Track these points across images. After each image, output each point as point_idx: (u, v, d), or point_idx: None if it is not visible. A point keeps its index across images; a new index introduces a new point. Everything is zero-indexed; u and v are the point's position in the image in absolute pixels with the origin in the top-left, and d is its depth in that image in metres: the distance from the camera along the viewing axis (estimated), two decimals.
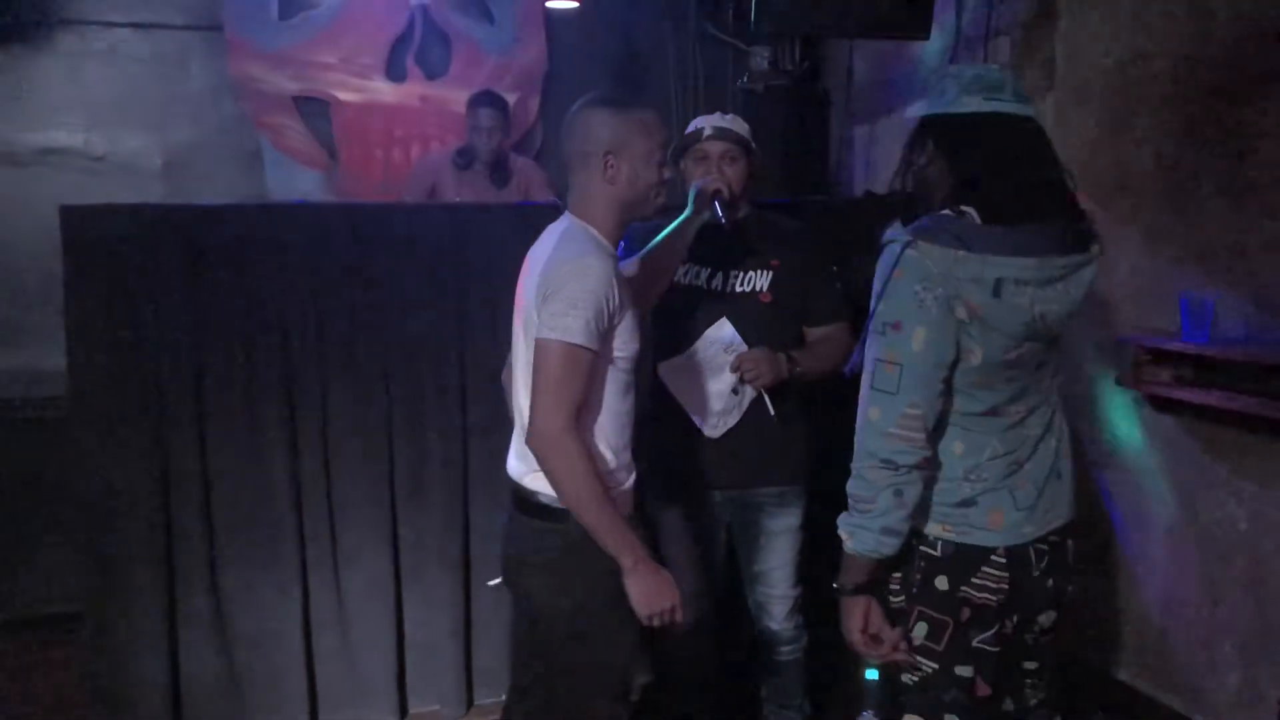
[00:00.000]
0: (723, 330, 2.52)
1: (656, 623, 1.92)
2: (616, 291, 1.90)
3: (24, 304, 3.90)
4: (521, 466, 2.02)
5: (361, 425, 2.94)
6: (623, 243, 2.13)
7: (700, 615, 2.71)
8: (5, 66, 3.96)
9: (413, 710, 3.13)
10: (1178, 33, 2.83)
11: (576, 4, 4.21)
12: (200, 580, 2.85)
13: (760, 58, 4.36)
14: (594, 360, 1.87)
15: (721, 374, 2.52)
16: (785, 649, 2.73)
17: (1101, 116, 3.10)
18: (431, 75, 4.50)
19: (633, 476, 2.09)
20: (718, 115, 2.59)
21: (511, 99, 4.45)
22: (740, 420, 2.56)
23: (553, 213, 3.05)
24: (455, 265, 2.98)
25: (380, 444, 2.96)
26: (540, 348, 1.85)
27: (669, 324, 2.59)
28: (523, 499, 2.01)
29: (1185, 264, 2.82)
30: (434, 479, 3.01)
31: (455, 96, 4.43)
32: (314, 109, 4.35)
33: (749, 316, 2.54)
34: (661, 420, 2.62)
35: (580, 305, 1.82)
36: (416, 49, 4.46)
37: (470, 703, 3.17)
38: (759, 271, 2.57)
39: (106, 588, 2.77)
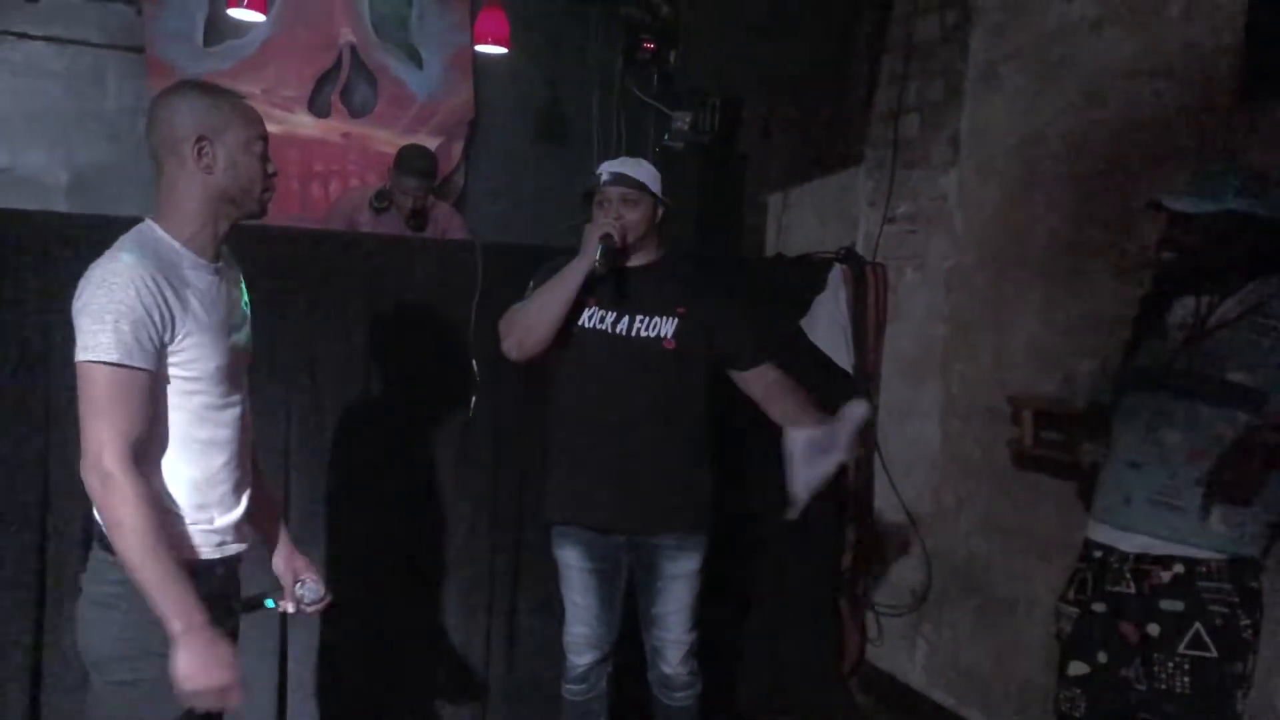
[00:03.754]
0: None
1: (200, 705, 1.64)
2: (166, 301, 1.65)
3: None
4: None
5: None
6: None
7: (602, 658, 2.70)
8: None
9: None
10: (1071, 116, 3.00)
11: (506, 50, 4.27)
12: None
13: (681, 120, 4.48)
14: (148, 381, 1.64)
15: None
16: (679, 694, 2.72)
17: (1002, 192, 3.27)
18: (356, 113, 4.50)
19: (235, 513, 1.84)
20: (621, 160, 2.63)
21: (435, 143, 4.48)
22: (643, 465, 2.58)
23: (467, 250, 3.11)
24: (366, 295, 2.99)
25: None
26: (80, 372, 1.62)
27: (570, 367, 2.60)
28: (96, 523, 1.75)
29: (1075, 334, 2.95)
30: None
31: (378, 135, 4.44)
32: None
33: (651, 363, 2.57)
34: (566, 462, 2.62)
35: (110, 317, 1.59)
36: (342, 86, 4.46)
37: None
38: (664, 318, 2.59)
39: None
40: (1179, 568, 2.15)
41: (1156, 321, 2.34)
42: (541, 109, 4.76)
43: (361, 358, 2.99)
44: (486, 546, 3.19)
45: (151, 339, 1.63)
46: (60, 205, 3.98)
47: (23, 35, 3.97)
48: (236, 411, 1.84)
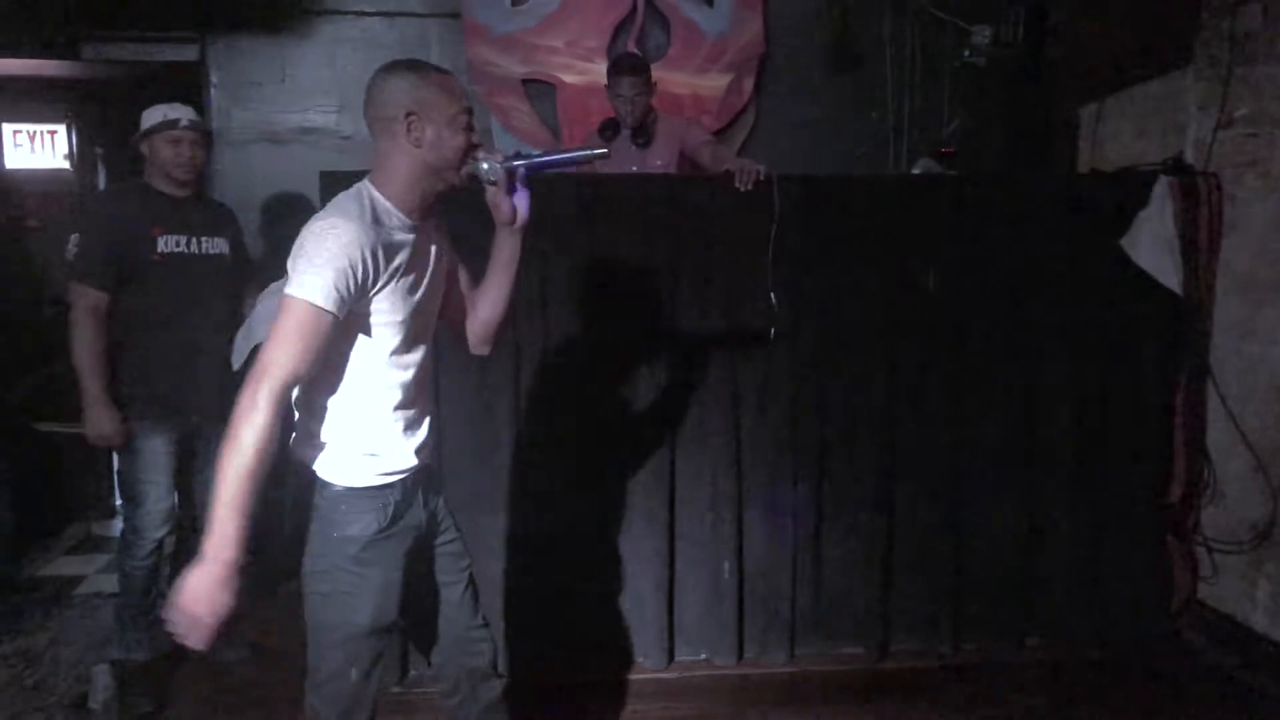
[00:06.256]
0: None
1: (178, 627, 1.68)
2: (375, 256, 1.80)
3: (283, 256, 4.29)
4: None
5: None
6: None
7: None
8: (272, 54, 4.39)
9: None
10: None
11: None
12: None
13: (981, 34, 4.29)
14: (333, 326, 1.77)
15: None
16: None
17: None
18: (651, 58, 4.62)
19: (412, 441, 2.00)
20: None
21: (727, 80, 4.56)
22: None
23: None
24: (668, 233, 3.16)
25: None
26: (283, 303, 1.76)
27: None
28: None
29: None
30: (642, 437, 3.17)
31: (673, 78, 4.56)
32: (539, 91, 4.58)
33: None
34: None
35: (320, 262, 1.74)
36: (638, 33, 4.61)
37: (671, 658, 3.29)
38: None
39: None
40: None
41: None
42: (832, 36, 4.68)
43: (660, 290, 3.18)
44: (789, 471, 3.29)
45: (349, 288, 1.77)
46: None
47: (360, 13, 4.43)
48: (418, 356, 1.99)
